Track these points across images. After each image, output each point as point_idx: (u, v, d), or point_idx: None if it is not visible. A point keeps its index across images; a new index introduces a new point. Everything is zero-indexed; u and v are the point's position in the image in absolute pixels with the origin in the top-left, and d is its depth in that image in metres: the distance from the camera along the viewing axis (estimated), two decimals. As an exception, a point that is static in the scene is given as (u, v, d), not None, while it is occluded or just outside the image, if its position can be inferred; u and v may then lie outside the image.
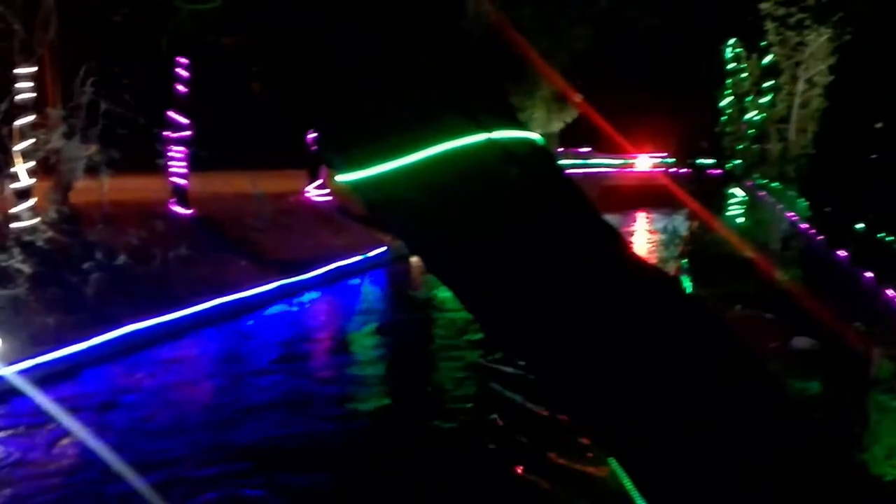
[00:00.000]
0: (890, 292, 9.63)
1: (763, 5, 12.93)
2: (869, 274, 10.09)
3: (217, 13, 2.48)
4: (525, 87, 29.37)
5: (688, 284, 16.59)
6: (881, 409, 7.26)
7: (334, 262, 18.64)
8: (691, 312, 2.24)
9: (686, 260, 18.22)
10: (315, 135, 2.14)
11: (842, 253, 10.91)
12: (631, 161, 40.43)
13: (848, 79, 10.42)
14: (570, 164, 42.83)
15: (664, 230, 21.82)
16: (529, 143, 2.05)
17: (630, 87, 26.03)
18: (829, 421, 7.53)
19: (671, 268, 20.50)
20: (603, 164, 42.32)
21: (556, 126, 37.13)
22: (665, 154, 35.46)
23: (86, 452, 8.27)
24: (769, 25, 13.01)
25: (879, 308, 9.50)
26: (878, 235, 9.44)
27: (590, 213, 2.16)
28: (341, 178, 2.01)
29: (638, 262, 2.20)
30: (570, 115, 35.60)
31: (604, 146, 40.08)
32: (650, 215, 33.04)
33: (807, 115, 12.65)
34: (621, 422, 2.01)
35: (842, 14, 10.30)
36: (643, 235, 30.00)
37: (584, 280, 1.96)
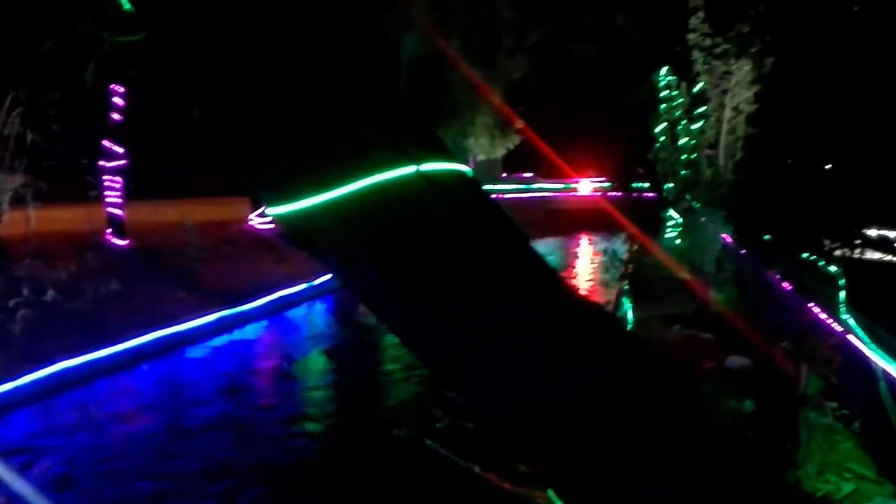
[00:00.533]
0: (816, 310, 10.06)
1: (690, 36, 13.55)
2: (796, 293, 10.54)
3: (143, 44, 2.45)
4: (468, 114, 29.77)
5: (628, 306, 16.97)
6: (810, 427, 7.51)
7: (279, 290, 18.36)
8: (619, 341, 2.31)
9: (626, 282, 18.63)
10: (247, 166, 2.14)
11: (771, 273, 11.40)
12: (573, 185, 41.25)
13: (769, 107, 11.02)
14: (515, 189, 43.56)
15: (605, 253, 22.30)
16: (458, 175, 2.09)
17: (570, 113, 26.72)
18: (762, 439, 7.77)
19: (612, 290, 20.97)
20: (546, 188, 43.10)
21: (500, 152, 37.75)
22: (605, 178, 36.36)
23: (15, 499, 7.89)
24: (696, 55, 13.63)
25: (807, 326, 9.91)
26: (803, 255, 9.94)
27: (518, 243, 2.20)
28: (271, 210, 2.00)
29: (566, 290, 2.26)
30: (512, 142, 36.27)
31: (547, 171, 40.84)
32: (593, 238, 33.67)
33: (734, 141, 13.24)
34: (551, 447, 2.04)
35: (760, 46, 10.89)
36: (586, 257, 30.55)
37: (512, 308, 2.00)
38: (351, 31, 2.14)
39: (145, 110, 15.30)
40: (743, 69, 12.07)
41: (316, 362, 14.38)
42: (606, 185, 33.55)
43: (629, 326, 15.57)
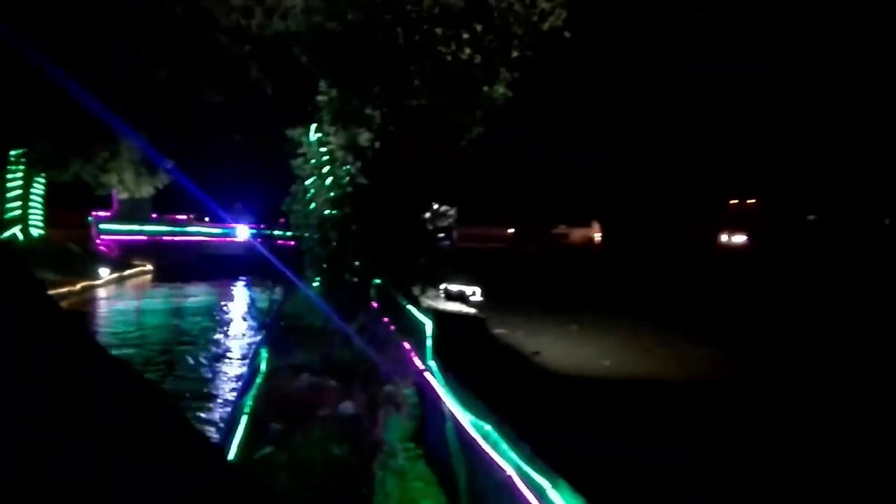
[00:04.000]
0: (404, 356, 11.04)
1: (319, 97, 14.29)
2: (392, 341, 11.51)
3: None
4: (110, 147, 27.28)
5: (265, 355, 16.87)
6: (385, 468, 8.13)
7: None
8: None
9: (265, 330, 18.53)
10: None
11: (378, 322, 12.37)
12: (231, 230, 40.39)
13: (368, 169, 12.20)
14: (167, 231, 41.04)
15: (249, 301, 22.03)
16: None
17: (217, 158, 26.23)
18: (346, 485, 8.19)
19: (253, 339, 20.73)
20: (203, 232, 41.49)
21: (147, 191, 35.31)
22: (262, 225, 36.35)
23: None
24: (325, 116, 14.39)
25: (388, 372, 10.82)
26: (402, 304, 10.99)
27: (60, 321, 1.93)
28: None
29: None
30: (161, 181, 34.20)
31: (203, 215, 39.43)
32: (244, 285, 33.09)
33: (353, 197, 14.19)
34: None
35: (344, 118, 12.01)
36: (234, 305, 29.82)
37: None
38: None
39: None
40: (363, 134, 13.07)
41: None
42: (263, 231, 33.52)
43: (261, 375, 15.48)
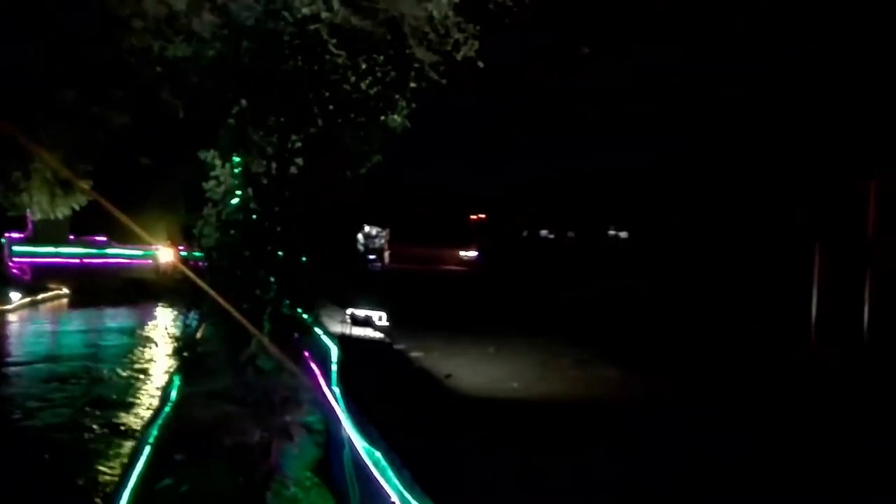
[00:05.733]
0: (308, 381, 10.99)
1: (230, 121, 14.08)
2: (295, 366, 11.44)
3: None
4: (22, 165, 26.14)
5: (178, 382, 16.40)
6: (278, 497, 8.09)
7: None
8: None
9: (179, 356, 18.02)
10: None
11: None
12: (153, 252, 39.18)
13: (262, 196, 12.24)
14: (85, 254, 39.58)
15: (167, 326, 21.47)
16: None
17: (134, 178, 25.50)
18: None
19: (168, 365, 20.14)
20: (123, 254, 40.16)
21: (63, 211, 33.74)
22: (184, 248, 35.36)
23: None
24: (224, 142, 14.15)
25: (284, 399, 10.76)
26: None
27: None
28: None
29: None
30: (78, 202, 32.77)
31: (123, 236, 38.18)
32: (166, 309, 32.18)
33: (245, 224, 13.96)
34: None
35: (238, 145, 12.00)
36: (155, 330, 28.95)
37: None
38: None
39: None
40: (258, 161, 12.92)
41: None
42: (184, 254, 32.62)
43: (170, 404, 15.04)
